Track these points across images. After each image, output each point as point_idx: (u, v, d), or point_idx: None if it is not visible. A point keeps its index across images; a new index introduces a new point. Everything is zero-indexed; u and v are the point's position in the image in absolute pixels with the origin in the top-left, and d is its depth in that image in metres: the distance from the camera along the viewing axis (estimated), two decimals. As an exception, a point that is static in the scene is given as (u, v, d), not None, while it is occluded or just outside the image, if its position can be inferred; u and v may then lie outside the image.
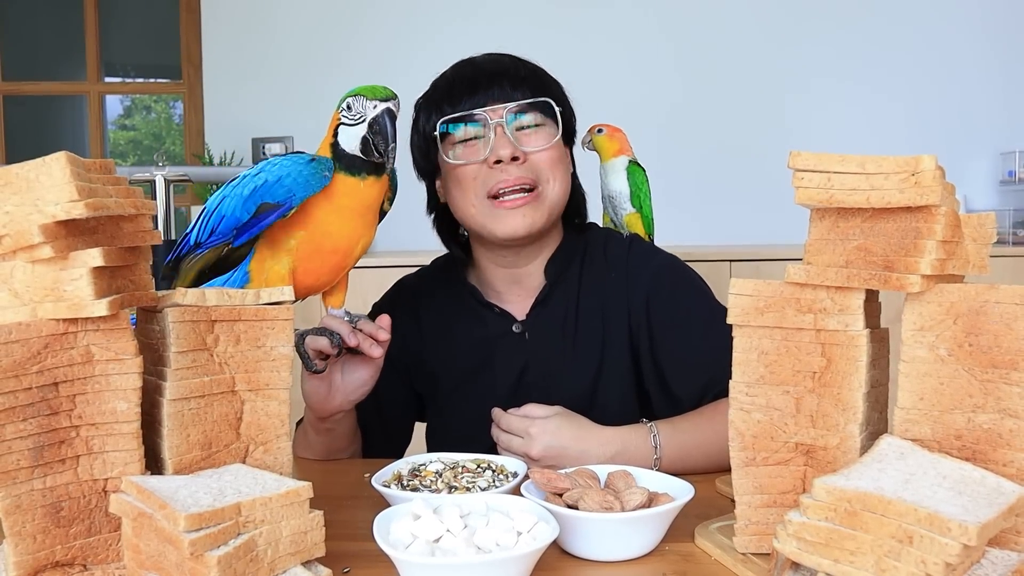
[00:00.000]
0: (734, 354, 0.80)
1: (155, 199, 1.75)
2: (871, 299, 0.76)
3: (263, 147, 2.88)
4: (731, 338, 1.06)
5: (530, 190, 1.15)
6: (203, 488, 0.71)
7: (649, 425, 1.08)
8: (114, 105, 5.75)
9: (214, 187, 2.85)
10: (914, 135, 3.28)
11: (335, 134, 1.01)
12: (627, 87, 3.28)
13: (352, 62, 3.20)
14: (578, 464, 0.96)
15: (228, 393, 0.81)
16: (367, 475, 1.07)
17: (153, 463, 0.78)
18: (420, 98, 1.22)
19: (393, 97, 0.99)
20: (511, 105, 1.14)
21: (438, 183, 1.24)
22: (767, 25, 3.32)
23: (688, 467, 1.06)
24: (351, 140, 1.00)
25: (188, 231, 1.05)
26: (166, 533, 0.67)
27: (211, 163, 2.98)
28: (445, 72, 1.21)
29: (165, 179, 1.77)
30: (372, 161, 1.00)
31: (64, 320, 0.71)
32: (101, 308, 0.70)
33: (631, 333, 1.22)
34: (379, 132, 0.98)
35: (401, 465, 0.97)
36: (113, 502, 0.72)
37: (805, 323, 0.76)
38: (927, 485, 0.63)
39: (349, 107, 1.00)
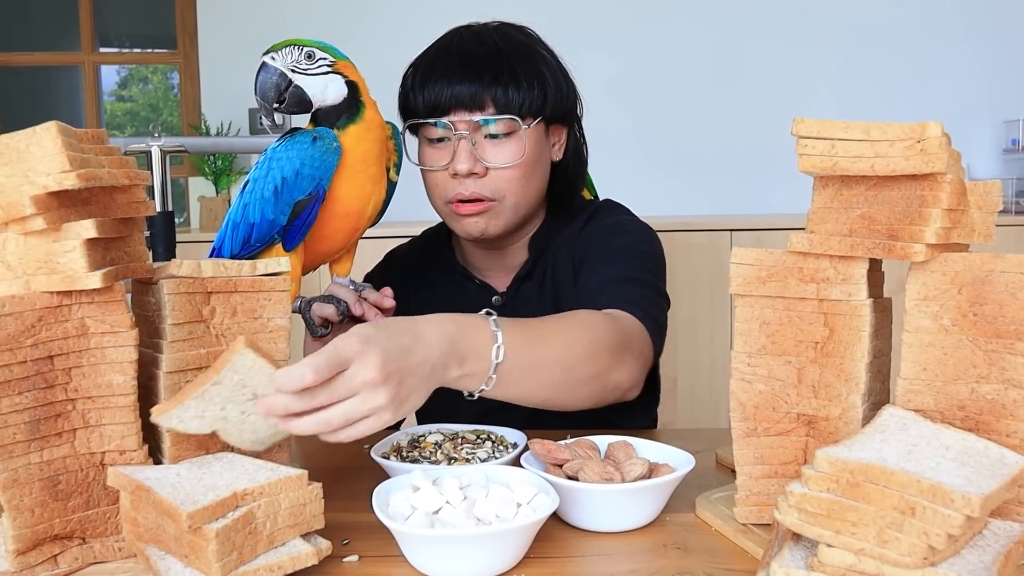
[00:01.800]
0: (735, 324, 0.79)
1: (151, 170, 1.73)
2: (874, 268, 0.75)
3: (260, 117, 2.85)
4: (637, 277, 1.05)
5: (490, 200, 1.12)
6: (198, 481, 0.71)
7: (484, 311, 0.92)
8: (111, 76, 5.69)
9: (211, 158, 2.83)
10: (917, 103, 3.25)
11: None
12: (626, 56, 3.24)
13: (351, 29, 3.16)
14: (420, 362, 0.77)
15: (225, 365, 0.80)
16: (366, 446, 1.07)
17: (150, 436, 0.78)
18: (409, 67, 1.20)
19: (276, 48, 1.00)
20: (477, 116, 1.10)
21: None
22: (769, -8, 3.28)
23: (537, 363, 0.88)
24: None
25: (217, 246, 1.06)
26: (164, 506, 0.67)
27: (208, 134, 2.96)
28: (431, 46, 1.19)
29: (161, 150, 1.75)
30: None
31: (58, 293, 0.70)
32: (95, 280, 0.69)
33: (574, 275, 1.21)
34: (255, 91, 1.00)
35: (400, 436, 0.96)
36: (111, 475, 0.72)
37: (807, 293, 0.75)
38: (930, 456, 0.63)
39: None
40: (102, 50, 4.14)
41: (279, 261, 0.83)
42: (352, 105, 1.02)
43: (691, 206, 3.21)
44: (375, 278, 1.32)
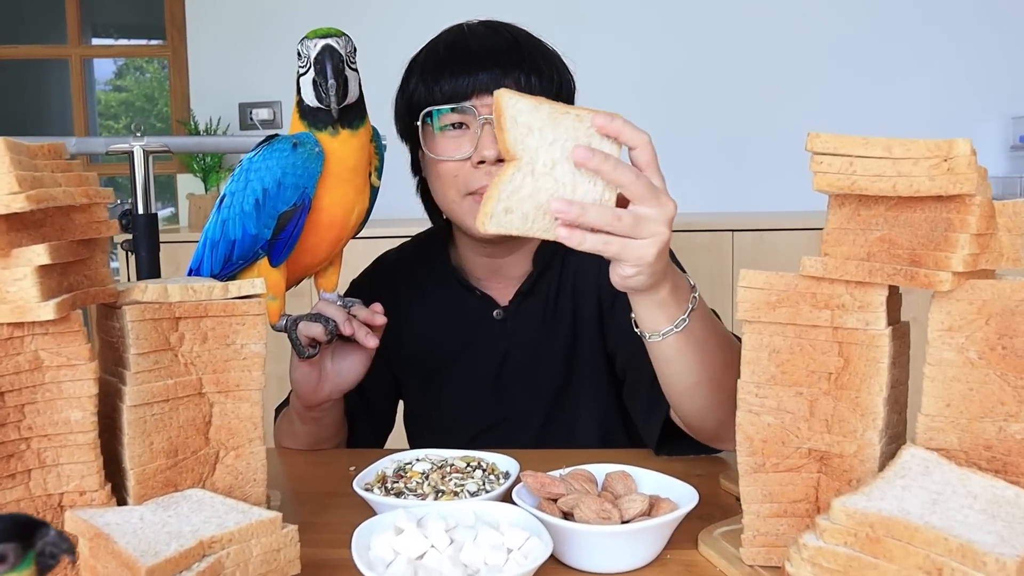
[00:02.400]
0: (743, 352, 0.74)
1: (133, 170, 1.67)
2: (892, 292, 0.70)
3: (250, 112, 2.79)
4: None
5: None
6: (162, 527, 0.65)
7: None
8: (107, 66, 5.63)
9: (199, 155, 2.77)
10: (922, 99, 3.18)
11: (299, 90, 0.95)
12: (628, 55, 3.18)
13: (344, 23, 3.09)
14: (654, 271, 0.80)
15: (195, 396, 0.75)
16: (352, 468, 1.02)
17: (116, 471, 0.73)
18: (410, 61, 1.14)
19: (337, 34, 0.92)
20: None
21: (420, 154, 1.16)
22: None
23: (706, 342, 0.90)
24: (307, 90, 0.93)
25: (194, 266, 1.01)
26: (123, 557, 0.61)
27: (196, 129, 2.90)
28: (436, 41, 1.13)
29: (144, 150, 1.69)
30: (334, 112, 0.92)
31: (8, 324, 0.64)
32: (48, 311, 0.63)
33: (600, 308, 1.16)
34: (320, 71, 0.90)
35: (386, 464, 0.91)
36: (68, 520, 0.66)
37: (821, 320, 0.70)
38: (956, 507, 0.57)
39: (299, 55, 0.93)
40: (95, 41, 4.07)
41: (253, 283, 0.77)
42: (361, 108, 0.97)
43: (691, 204, 3.14)
44: (362, 285, 1.26)
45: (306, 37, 0.92)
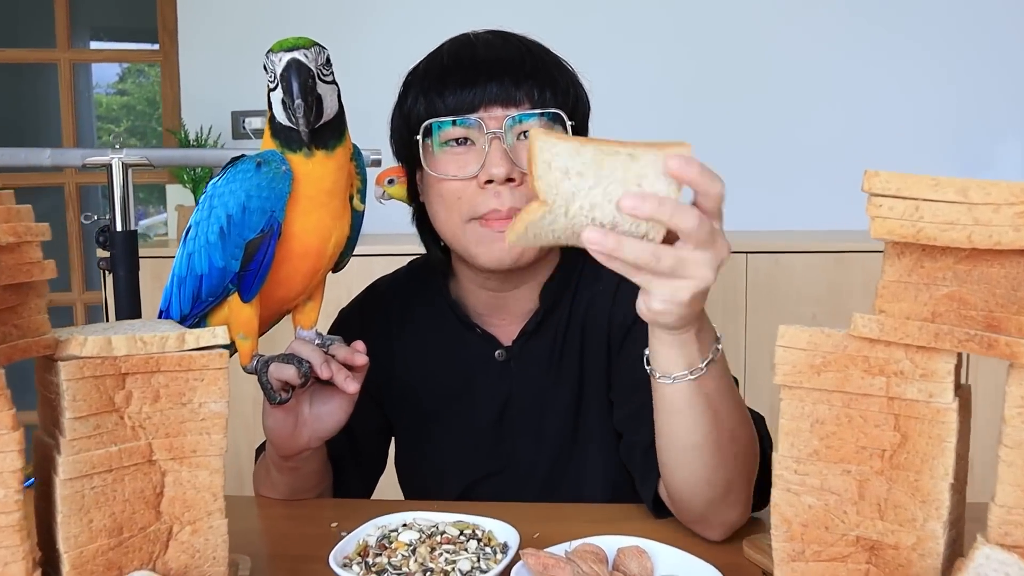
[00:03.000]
0: (780, 422, 0.64)
1: (111, 184, 1.57)
2: (958, 358, 0.60)
3: (243, 121, 2.69)
4: None
5: None
6: None
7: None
8: (111, 70, 5.54)
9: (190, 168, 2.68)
10: (946, 110, 3.07)
11: (270, 106, 0.85)
12: (633, 69, 3.08)
13: (338, 30, 3.00)
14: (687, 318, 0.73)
15: (144, 464, 0.65)
16: (334, 525, 0.92)
17: (49, 551, 0.63)
18: (409, 74, 1.04)
19: (305, 45, 0.81)
20: (512, 112, 0.94)
21: (419, 176, 1.06)
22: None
23: (718, 402, 0.81)
24: (278, 107, 0.83)
25: (164, 307, 0.91)
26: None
27: (186, 138, 2.79)
28: (439, 50, 1.02)
29: (123, 163, 1.59)
30: (304, 135, 0.81)
31: (-87, 387, 0.54)
32: (-41, 373, 0.53)
33: (608, 354, 1.05)
34: (287, 90, 0.79)
35: (369, 531, 0.81)
36: (-16, 619, 0.56)
37: (875, 388, 0.59)
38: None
39: (265, 68, 0.82)
40: (93, 45, 3.98)
41: (214, 332, 0.67)
42: (340, 125, 0.87)
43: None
44: (352, 317, 1.15)
45: (271, 50, 0.82)
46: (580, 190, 0.64)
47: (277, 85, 0.81)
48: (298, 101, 0.79)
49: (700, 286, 0.68)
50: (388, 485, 1.19)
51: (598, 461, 1.06)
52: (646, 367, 0.79)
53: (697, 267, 0.67)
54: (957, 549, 0.63)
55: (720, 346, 0.78)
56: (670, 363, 0.76)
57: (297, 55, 0.80)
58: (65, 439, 0.61)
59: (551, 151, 0.64)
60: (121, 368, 0.63)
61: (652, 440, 0.86)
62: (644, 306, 0.71)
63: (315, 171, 0.84)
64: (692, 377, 0.76)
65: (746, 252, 2.38)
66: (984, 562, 0.54)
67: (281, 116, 0.83)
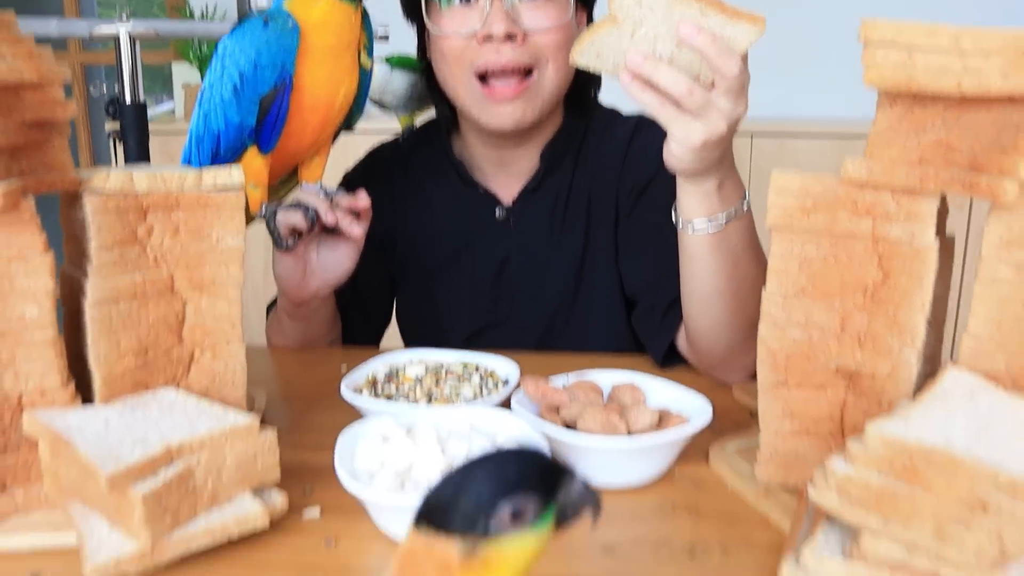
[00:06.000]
0: (770, 262, 0.67)
1: (119, 56, 1.56)
2: (942, 203, 0.62)
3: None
4: None
5: (526, 74, 0.97)
6: (127, 431, 0.60)
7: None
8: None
9: (195, 42, 2.64)
10: None
11: None
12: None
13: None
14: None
15: (166, 292, 0.69)
16: (344, 367, 0.97)
17: (80, 369, 0.67)
18: None
19: None
20: None
21: (426, 35, 1.07)
22: None
23: (740, 255, 0.86)
24: None
25: (185, 163, 0.93)
26: (83, 463, 0.56)
27: (191, 15, 2.75)
28: None
29: (131, 34, 1.58)
30: None
31: (-51, 209, 0.57)
32: (-8, 196, 0.56)
33: (616, 219, 1.08)
34: None
35: (378, 366, 0.85)
36: (26, 422, 0.61)
37: (861, 229, 0.62)
38: (1005, 438, 0.51)
39: None
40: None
41: (230, 171, 0.69)
42: None
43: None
44: (354, 179, 1.18)
45: None
46: (648, 20, 0.69)
47: None
48: None
49: (713, 132, 0.73)
50: (394, 341, 1.23)
51: (599, 327, 1.10)
52: (673, 215, 0.86)
53: (717, 113, 0.73)
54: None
55: (746, 204, 0.84)
56: (691, 211, 0.83)
57: None
58: (92, 266, 0.64)
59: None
60: (143, 204, 0.66)
61: (671, 300, 0.92)
62: (666, 151, 0.77)
63: (322, 21, 0.85)
64: (711, 225, 0.82)
65: (751, 134, 2.37)
66: (951, 384, 0.58)
67: None
